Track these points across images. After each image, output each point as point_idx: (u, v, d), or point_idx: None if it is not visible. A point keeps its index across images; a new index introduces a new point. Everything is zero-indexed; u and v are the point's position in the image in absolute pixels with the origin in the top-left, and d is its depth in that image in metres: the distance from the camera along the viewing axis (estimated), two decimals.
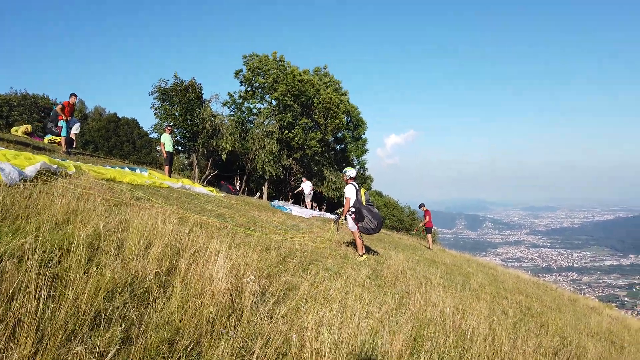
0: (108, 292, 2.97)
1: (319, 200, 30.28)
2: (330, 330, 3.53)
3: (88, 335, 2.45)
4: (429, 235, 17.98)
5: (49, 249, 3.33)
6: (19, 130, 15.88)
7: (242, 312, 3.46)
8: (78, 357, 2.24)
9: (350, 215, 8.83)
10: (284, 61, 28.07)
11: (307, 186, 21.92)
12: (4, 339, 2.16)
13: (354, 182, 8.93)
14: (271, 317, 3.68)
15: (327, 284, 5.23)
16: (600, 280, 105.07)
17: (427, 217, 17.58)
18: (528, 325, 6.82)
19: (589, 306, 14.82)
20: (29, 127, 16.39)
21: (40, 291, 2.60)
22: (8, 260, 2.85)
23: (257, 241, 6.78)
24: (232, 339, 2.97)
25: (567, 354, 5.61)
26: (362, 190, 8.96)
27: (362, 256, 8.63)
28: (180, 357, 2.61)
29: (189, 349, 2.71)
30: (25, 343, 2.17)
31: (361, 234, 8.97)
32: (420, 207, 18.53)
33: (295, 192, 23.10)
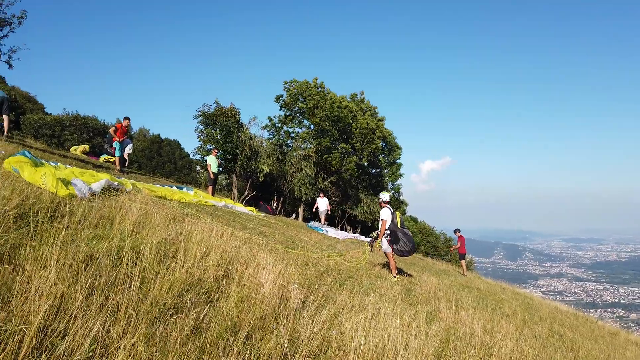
0: (180, 289, 3.53)
1: (353, 223, 30.61)
2: (365, 334, 3.96)
3: (167, 321, 3.00)
4: (463, 262, 17.98)
5: (127, 252, 3.94)
6: (77, 150, 17.17)
7: (288, 314, 3.95)
8: (162, 335, 2.78)
9: (385, 237, 9.19)
10: (323, 87, 29.00)
11: (322, 202, 21.21)
12: (106, 319, 2.72)
13: (388, 206, 9.34)
14: (313, 321, 4.14)
15: (362, 298, 5.64)
16: None
17: (460, 243, 17.63)
18: (560, 351, 6.95)
19: (630, 340, 14.40)
20: (87, 146, 17.69)
21: (129, 283, 3.19)
22: (102, 258, 3.46)
23: (296, 257, 7.28)
24: (280, 334, 3.45)
25: None
26: (397, 214, 9.33)
27: (395, 277, 8.95)
28: (239, 345, 3.11)
29: (246, 339, 3.22)
30: (121, 322, 2.73)
31: (395, 255, 9.31)
32: (455, 232, 18.59)
33: (313, 209, 22.03)
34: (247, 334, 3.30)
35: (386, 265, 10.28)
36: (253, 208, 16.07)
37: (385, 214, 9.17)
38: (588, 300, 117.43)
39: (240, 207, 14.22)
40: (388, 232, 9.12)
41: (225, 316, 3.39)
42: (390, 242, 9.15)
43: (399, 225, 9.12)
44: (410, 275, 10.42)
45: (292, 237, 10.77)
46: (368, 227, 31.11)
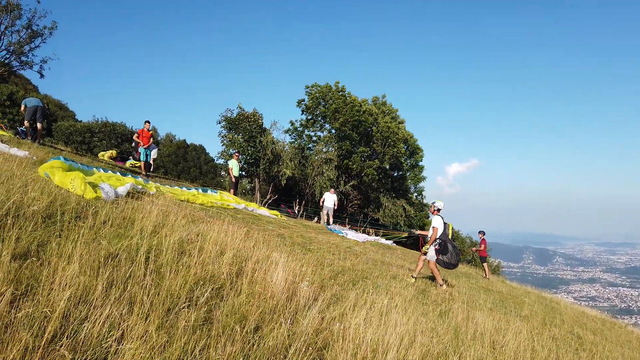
0: (193, 284, 3.75)
1: (375, 225, 30.64)
2: (372, 329, 4.10)
3: (180, 312, 3.22)
4: (485, 264, 17.82)
5: (147, 250, 4.19)
6: (105, 155, 17.85)
7: (297, 310, 4.13)
8: (173, 324, 3.00)
9: (434, 245, 8.95)
10: (344, 91, 29.20)
11: (329, 198, 20.33)
12: (124, 309, 2.96)
13: (441, 215, 9.07)
14: (323, 319, 4.31)
15: (374, 297, 5.77)
16: None
17: (482, 245, 17.48)
18: (576, 352, 6.90)
19: None
20: (114, 152, 18.36)
21: (145, 278, 3.44)
22: (121, 254, 3.72)
23: (313, 258, 7.47)
24: (288, 327, 3.63)
25: None
26: (450, 225, 9.10)
27: (442, 285, 8.80)
28: (248, 335, 3.30)
29: (254, 331, 3.41)
30: (138, 313, 2.96)
31: (440, 266, 9.12)
32: (479, 233, 18.42)
33: (320, 203, 20.97)
34: (255, 326, 3.49)
35: (431, 278, 9.85)
36: (277, 212, 16.25)
37: (438, 222, 8.91)
38: (622, 306, 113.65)
39: (261, 210, 14.50)
40: (439, 241, 8.89)
41: (235, 309, 3.60)
42: (438, 252, 8.93)
43: (449, 237, 8.96)
44: (451, 286, 10.07)
45: (310, 239, 10.96)
46: (390, 230, 31.07)
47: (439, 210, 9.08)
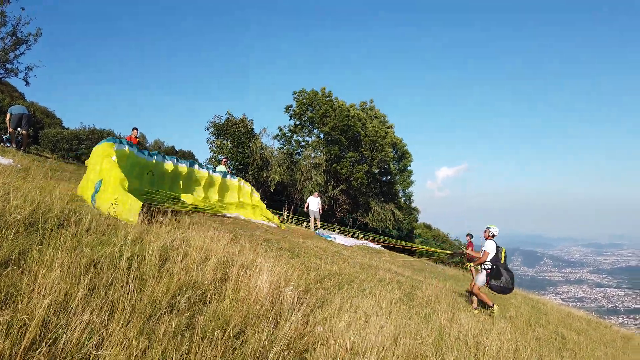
0: (176, 290, 3.77)
1: (364, 230, 30.72)
2: (356, 331, 4.15)
3: (162, 318, 3.23)
4: (472, 267, 17.93)
5: (130, 256, 4.20)
6: None
7: (281, 314, 4.16)
8: (155, 330, 3.02)
9: (485, 269, 8.96)
10: (331, 96, 29.33)
11: (314, 202, 19.69)
12: (104, 316, 2.97)
13: (495, 240, 9.03)
14: (307, 322, 4.35)
15: (360, 300, 5.82)
16: None
17: (469, 248, 17.58)
18: (558, 352, 7.01)
19: None
20: None
21: (128, 285, 3.45)
22: (104, 261, 3.73)
23: (299, 263, 7.49)
24: (272, 331, 3.66)
25: None
26: (503, 249, 9.11)
27: (492, 306, 8.79)
28: (230, 340, 3.33)
29: (237, 335, 3.43)
30: (118, 319, 2.97)
31: (494, 291, 9.15)
32: (467, 235, 18.52)
33: (305, 208, 20.34)
34: (238, 330, 3.51)
35: (470, 293, 9.78)
36: (273, 216, 15.82)
37: (490, 247, 8.87)
38: (609, 306, 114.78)
39: (257, 220, 14.47)
40: (489, 265, 8.88)
41: (218, 315, 3.62)
42: (490, 277, 8.91)
43: (502, 261, 8.95)
44: (492, 308, 9.75)
45: (297, 244, 10.98)
46: (379, 234, 31.14)
47: (493, 235, 9.02)
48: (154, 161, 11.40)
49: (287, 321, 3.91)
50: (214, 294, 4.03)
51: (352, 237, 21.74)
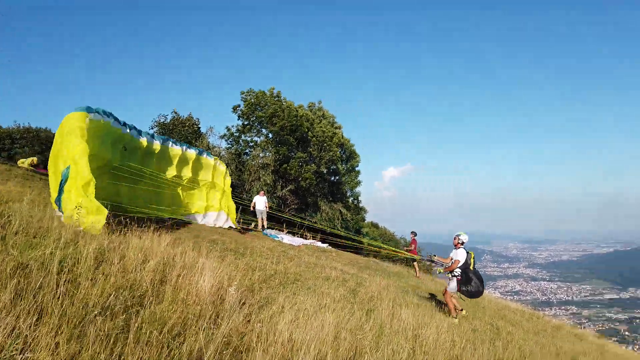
0: (112, 292, 3.67)
1: (313, 230, 30.92)
2: (297, 329, 4.21)
3: (96, 322, 3.14)
4: (415, 264, 18.58)
5: (62, 259, 4.04)
6: (25, 163, 16.68)
7: (223, 314, 4.15)
8: (86, 334, 2.94)
9: (456, 276, 9.12)
10: (280, 96, 29.26)
11: (260, 201, 19.17)
12: (31, 320, 2.85)
13: (464, 247, 9.22)
14: (249, 321, 4.36)
15: (304, 298, 5.89)
16: (601, 314, 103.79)
17: (413, 245, 18.19)
18: (492, 342, 7.41)
19: (573, 333, 15.25)
20: (35, 159, 17.20)
21: (59, 288, 3.32)
22: (33, 264, 3.57)
23: (244, 263, 7.47)
24: (212, 332, 3.65)
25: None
26: (472, 254, 9.28)
27: (455, 318, 8.88)
28: (168, 341, 3.29)
29: (175, 336, 3.40)
30: (48, 323, 2.86)
31: (464, 297, 9.36)
32: (411, 233, 19.11)
33: (251, 207, 19.92)
34: (177, 332, 3.48)
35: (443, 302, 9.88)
36: (233, 210, 15.30)
37: (461, 255, 9.07)
38: (543, 299, 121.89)
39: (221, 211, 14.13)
40: (459, 271, 9.06)
41: (156, 316, 3.56)
42: (460, 283, 9.11)
43: (471, 267, 9.13)
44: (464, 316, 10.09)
45: (244, 244, 10.91)
46: (327, 234, 31.46)
47: (462, 243, 9.23)
48: (128, 134, 10.67)
49: (228, 321, 3.91)
50: (152, 296, 3.95)
51: (301, 237, 21.86)
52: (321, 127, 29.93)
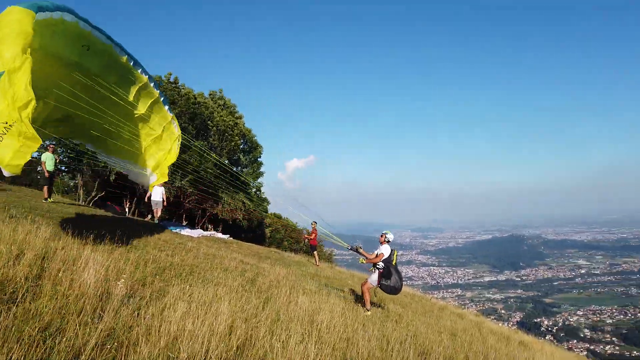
0: None
1: (214, 221, 30.27)
2: (191, 320, 4.16)
3: None
4: (315, 252, 19.13)
5: None
6: None
7: (109, 308, 3.96)
8: None
9: (378, 269, 9.34)
10: (177, 82, 28.05)
11: (156, 191, 18.21)
12: None
13: (389, 245, 9.53)
14: (138, 314, 4.21)
15: (199, 289, 5.81)
16: (481, 295, 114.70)
17: (313, 234, 18.67)
18: (384, 324, 7.95)
19: (454, 312, 16.83)
20: None
21: None
22: None
23: (135, 256, 7.12)
24: (96, 327, 3.48)
25: (410, 340, 6.76)
26: (395, 252, 9.59)
27: (368, 311, 9.03)
28: (46, 338, 3.08)
29: (54, 332, 3.19)
30: None
31: (383, 292, 9.58)
32: (312, 223, 19.55)
33: (145, 198, 19.11)
34: (56, 328, 3.27)
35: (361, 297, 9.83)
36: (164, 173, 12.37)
37: (385, 250, 9.36)
38: (433, 283, 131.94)
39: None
40: (382, 265, 9.28)
41: (32, 313, 3.32)
42: (381, 277, 9.30)
43: (393, 263, 9.38)
44: (382, 308, 10.63)
45: (137, 235, 10.40)
46: (229, 225, 30.99)
47: (388, 241, 9.58)
48: (90, 32, 8.20)
49: (113, 314, 3.75)
50: (28, 292, 3.66)
51: (201, 228, 21.33)
52: (221, 116, 29.27)
